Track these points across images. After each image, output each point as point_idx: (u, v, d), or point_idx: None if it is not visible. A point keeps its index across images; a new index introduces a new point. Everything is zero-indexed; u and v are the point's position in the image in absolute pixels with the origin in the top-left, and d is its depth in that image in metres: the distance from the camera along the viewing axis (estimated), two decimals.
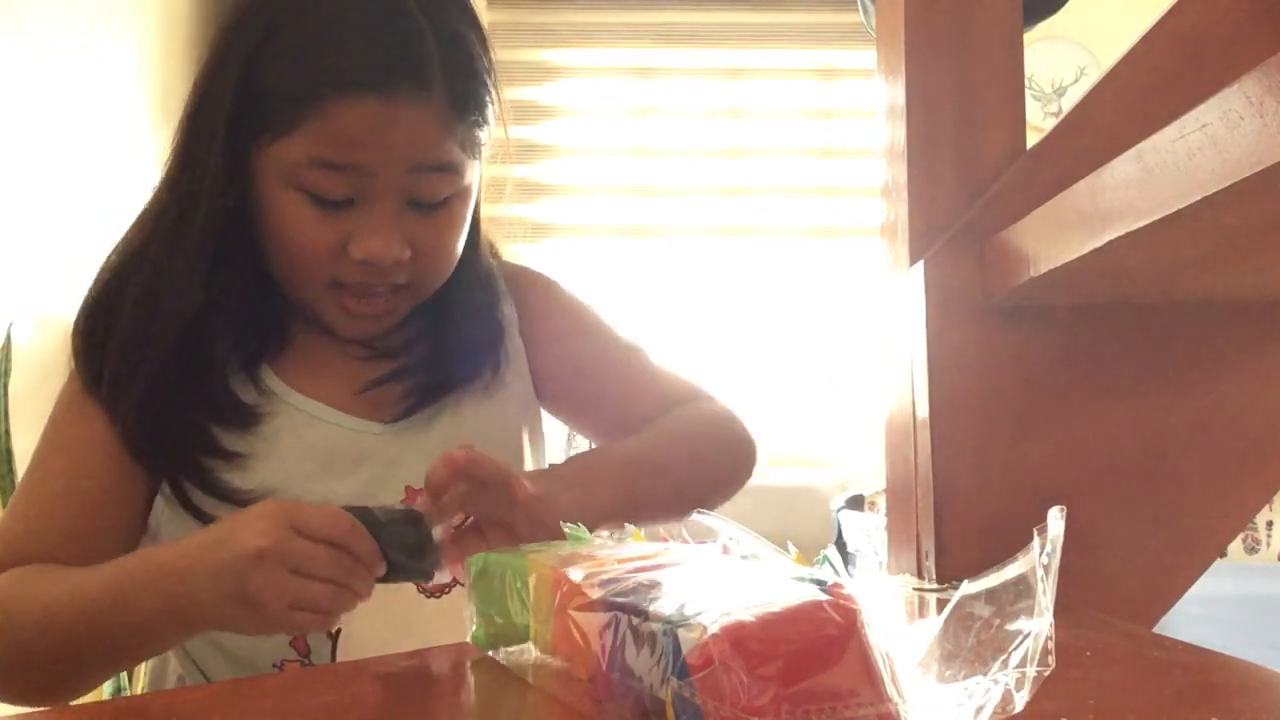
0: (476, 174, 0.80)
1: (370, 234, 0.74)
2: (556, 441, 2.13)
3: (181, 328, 0.76)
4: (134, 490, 0.78)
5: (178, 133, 0.80)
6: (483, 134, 0.78)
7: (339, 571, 0.61)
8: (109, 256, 0.82)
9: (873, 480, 2.61)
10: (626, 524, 0.59)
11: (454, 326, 0.85)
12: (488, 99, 0.78)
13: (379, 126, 0.71)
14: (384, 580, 0.64)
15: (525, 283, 0.93)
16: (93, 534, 0.74)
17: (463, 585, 0.80)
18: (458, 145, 0.75)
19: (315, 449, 0.79)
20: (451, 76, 0.74)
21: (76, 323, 0.81)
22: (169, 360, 0.76)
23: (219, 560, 0.61)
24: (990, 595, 0.39)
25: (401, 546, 0.64)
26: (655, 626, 0.39)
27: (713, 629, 0.35)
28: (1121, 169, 0.57)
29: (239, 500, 0.75)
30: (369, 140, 0.72)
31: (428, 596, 0.80)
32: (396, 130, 0.72)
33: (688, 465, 0.85)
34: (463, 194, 0.79)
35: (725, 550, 0.51)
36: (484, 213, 0.90)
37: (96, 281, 0.81)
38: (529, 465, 0.89)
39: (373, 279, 0.77)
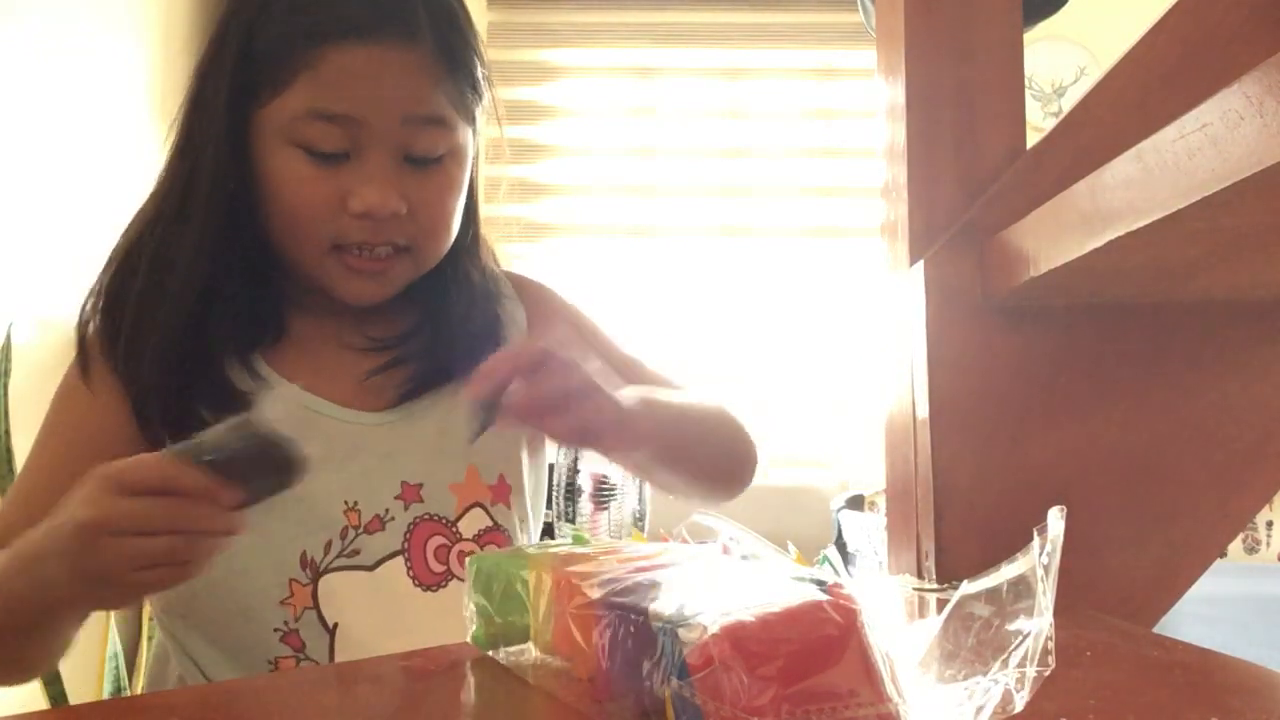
0: (470, 140, 0.82)
1: (367, 186, 0.76)
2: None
3: (189, 302, 0.77)
4: None
5: (181, 115, 0.81)
6: (473, 99, 0.81)
7: (174, 518, 0.58)
8: (118, 241, 0.83)
9: (873, 480, 2.61)
10: (653, 471, 0.57)
11: (453, 318, 0.86)
12: (476, 62, 0.81)
13: (370, 72, 0.74)
14: (251, 503, 0.60)
15: (535, 293, 0.95)
16: None
17: (461, 581, 0.81)
18: (447, 100, 0.78)
19: (309, 440, 0.79)
20: (438, 31, 0.77)
21: (87, 304, 0.81)
22: (177, 337, 0.77)
23: (61, 541, 0.60)
24: (990, 595, 0.39)
25: (246, 463, 0.60)
26: (655, 626, 0.39)
27: (713, 629, 0.35)
28: (1121, 169, 0.57)
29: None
30: (361, 86, 0.74)
31: (423, 590, 0.80)
32: (387, 76, 0.75)
33: (706, 439, 0.86)
34: (456, 155, 0.80)
35: (725, 550, 0.51)
36: (483, 213, 0.91)
37: (107, 265, 0.82)
38: (525, 467, 0.89)
39: (372, 237, 0.78)
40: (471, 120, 0.81)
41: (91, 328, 0.80)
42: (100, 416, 0.78)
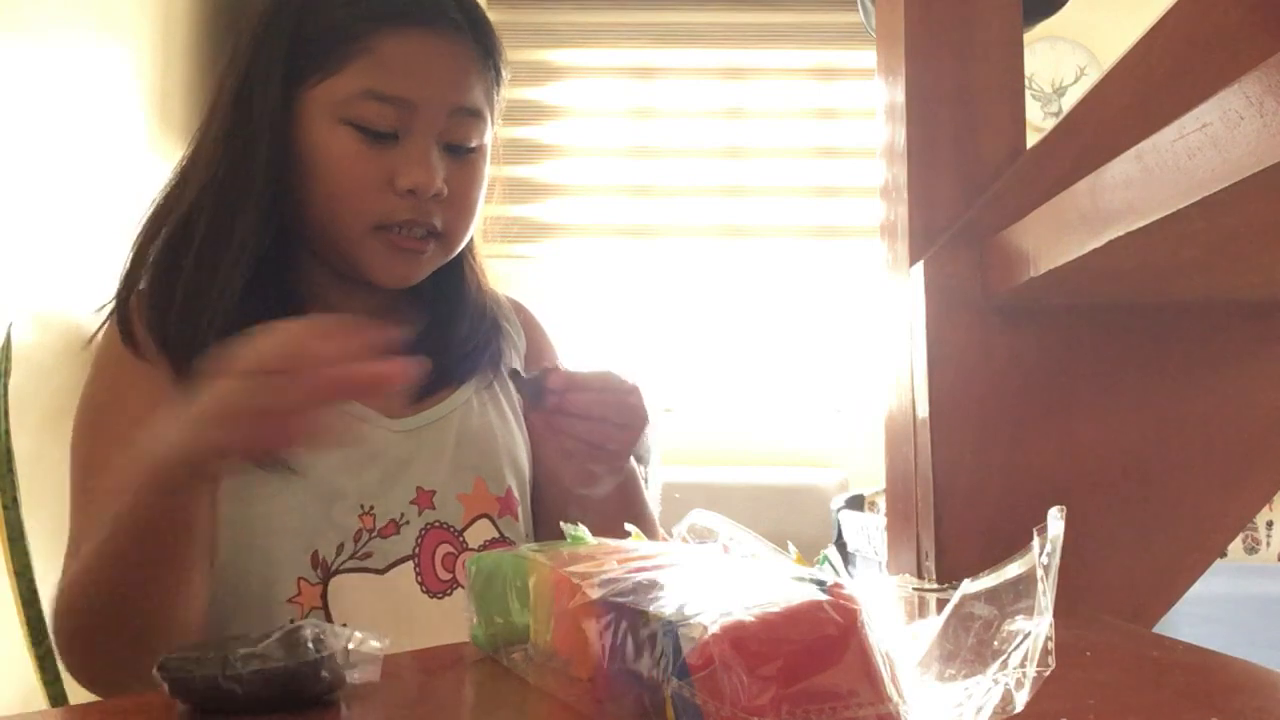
0: (490, 139, 0.85)
1: (414, 166, 0.79)
2: None
3: (244, 279, 0.78)
4: None
5: (224, 96, 0.82)
6: (497, 98, 0.85)
7: (267, 395, 0.58)
8: (153, 216, 0.83)
9: (873, 480, 2.61)
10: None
11: (462, 321, 0.89)
12: (501, 61, 0.85)
13: (425, 58, 0.79)
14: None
15: (532, 324, 0.98)
16: None
17: (463, 587, 0.81)
18: (483, 93, 0.82)
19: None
20: (475, 29, 0.82)
21: (128, 288, 0.81)
22: (231, 314, 0.77)
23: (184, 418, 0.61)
24: (990, 595, 0.39)
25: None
26: (655, 626, 0.39)
27: (713, 629, 0.35)
28: (1121, 169, 0.57)
29: (280, 466, 0.76)
30: (416, 70, 0.78)
31: (430, 596, 0.80)
32: (439, 63, 0.79)
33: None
34: (483, 150, 0.84)
35: (725, 550, 0.51)
36: (482, 215, 0.92)
37: (145, 242, 0.82)
38: (526, 463, 0.90)
39: (415, 216, 0.80)
40: (494, 119, 0.85)
41: (135, 300, 0.80)
42: (156, 385, 0.77)
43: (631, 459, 0.85)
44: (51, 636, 0.74)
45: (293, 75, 0.79)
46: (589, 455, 0.75)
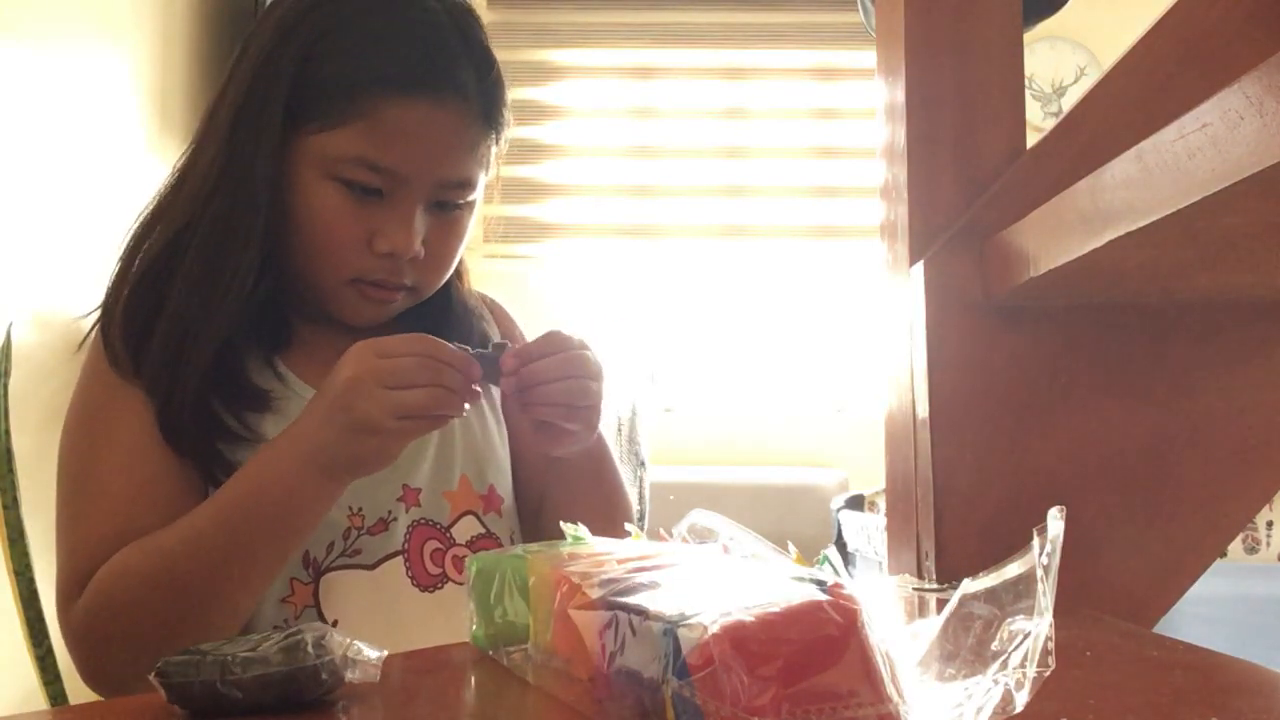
0: (482, 190, 0.84)
1: (395, 230, 0.78)
2: None
3: (237, 321, 0.78)
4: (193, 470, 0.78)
5: (221, 124, 0.80)
6: (496, 151, 0.84)
7: (428, 374, 0.67)
8: (133, 238, 0.82)
9: (873, 480, 2.61)
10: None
11: (449, 330, 0.87)
12: (507, 116, 0.83)
13: (423, 133, 0.77)
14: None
15: (504, 318, 0.99)
16: (180, 515, 0.74)
17: (456, 584, 0.82)
18: (478, 160, 0.81)
19: None
20: (483, 89, 0.79)
21: (110, 308, 0.81)
22: (215, 348, 0.77)
23: (325, 404, 0.69)
24: (990, 595, 0.39)
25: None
26: (655, 626, 0.39)
27: (713, 629, 0.35)
28: (1121, 169, 0.57)
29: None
30: (413, 145, 0.77)
31: (421, 591, 0.81)
32: (438, 138, 0.77)
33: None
34: (471, 206, 0.84)
35: (725, 550, 0.51)
36: (483, 214, 0.92)
37: (127, 264, 0.82)
38: (507, 463, 0.91)
39: (390, 276, 0.80)
40: (489, 169, 0.84)
41: (115, 327, 0.79)
42: (138, 403, 0.77)
43: (601, 433, 0.85)
44: (70, 634, 0.74)
45: (291, 115, 0.77)
46: (563, 415, 0.75)
